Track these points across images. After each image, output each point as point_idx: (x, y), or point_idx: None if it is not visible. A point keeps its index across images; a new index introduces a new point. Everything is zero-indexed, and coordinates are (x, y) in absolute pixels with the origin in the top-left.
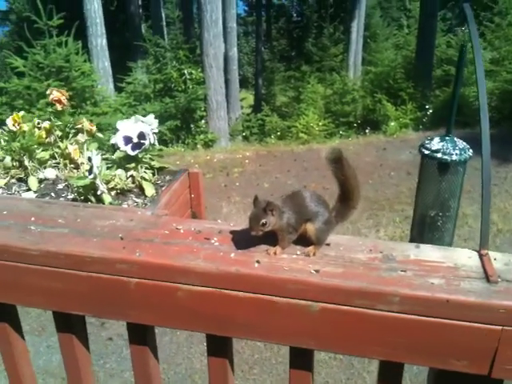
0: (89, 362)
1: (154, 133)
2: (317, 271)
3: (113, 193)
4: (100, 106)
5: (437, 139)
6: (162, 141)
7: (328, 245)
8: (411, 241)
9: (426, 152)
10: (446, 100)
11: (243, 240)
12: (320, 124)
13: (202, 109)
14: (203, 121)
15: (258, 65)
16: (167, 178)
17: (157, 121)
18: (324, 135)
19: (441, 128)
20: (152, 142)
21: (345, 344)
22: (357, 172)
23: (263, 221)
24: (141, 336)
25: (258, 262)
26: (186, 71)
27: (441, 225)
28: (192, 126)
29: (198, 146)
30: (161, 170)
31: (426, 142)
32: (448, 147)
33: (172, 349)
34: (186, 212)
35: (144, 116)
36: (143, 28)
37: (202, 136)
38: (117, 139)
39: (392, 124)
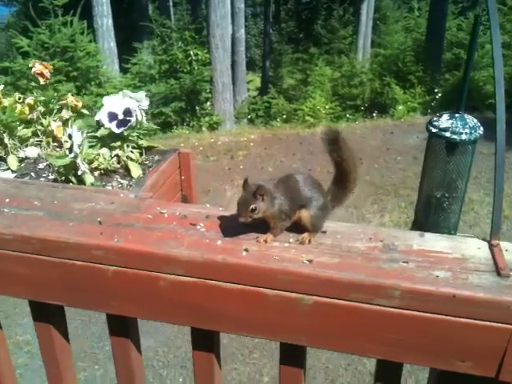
0: (68, 353)
1: (143, 110)
2: (310, 261)
3: (96, 173)
4: (105, 87)
5: (446, 116)
6: (167, 123)
7: (324, 232)
8: (415, 222)
9: (434, 130)
10: (456, 84)
11: (232, 227)
12: (327, 107)
13: (208, 91)
14: (208, 103)
15: (266, 47)
16: (156, 158)
17: (147, 98)
18: (330, 118)
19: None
20: (140, 120)
21: (339, 341)
22: (362, 155)
23: (252, 206)
24: (122, 328)
25: (246, 250)
26: (191, 52)
27: (447, 206)
28: (197, 108)
29: (203, 128)
30: (149, 149)
31: (434, 119)
32: (457, 125)
33: (172, 331)
34: (175, 195)
35: (148, 97)
36: (150, 8)
37: (206, 118)
38: (101, 116)
39: (400, 108)
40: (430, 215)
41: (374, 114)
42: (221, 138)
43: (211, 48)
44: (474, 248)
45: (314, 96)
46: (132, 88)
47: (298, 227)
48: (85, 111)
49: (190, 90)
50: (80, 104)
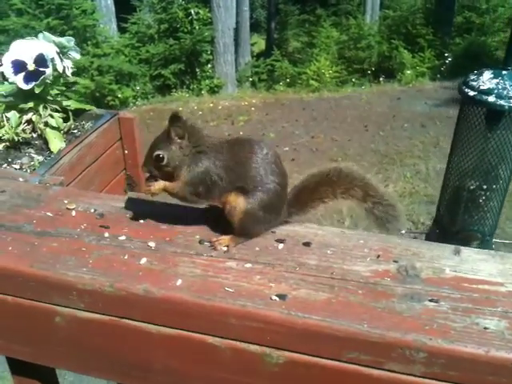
0: None
1: (69, 58)
2: (282, 297)
3: (0, 146)
4: (102, 47)
5: (488, 74)
6: (166, 85)
7: (307, 245)
8: (436, 223)
9: (471, 93)
10: (467, 48)
11: (175, 231)
12: (332, 71)
13: (209, 52)
14: (209, 65)
15: (272, 7)
16: (88, 125)
17: (76, 47)
18: (336, 83)
19: (460, 78)
20: (62, 72)
21: None
22: (367, 122)
23: (158, 153)
24: (26, 367)
25: (183, 274)
26: (192, 11)
27: (483, 202)
28: (197, 70)
29: (203, 91)
30: (80, 113)
31: (472, 77)
32: (506, 86)
33: None
34: (117, 175)
35: (147, 59)
36: None
37: (207, 81)
38: (5, 65)
39: (408, 72)
40: (459, 214)
41: (381, 79)
42: (221, 102)
43: (212, 6)
44: None
45: (318, 59)
46: (130, 48)
47: (224, 221)
48: None
49: (190, 51)
50: None
